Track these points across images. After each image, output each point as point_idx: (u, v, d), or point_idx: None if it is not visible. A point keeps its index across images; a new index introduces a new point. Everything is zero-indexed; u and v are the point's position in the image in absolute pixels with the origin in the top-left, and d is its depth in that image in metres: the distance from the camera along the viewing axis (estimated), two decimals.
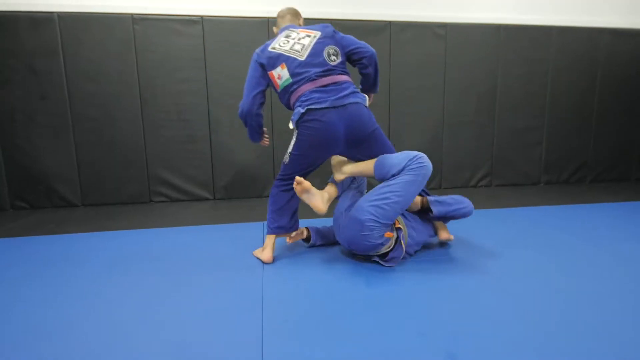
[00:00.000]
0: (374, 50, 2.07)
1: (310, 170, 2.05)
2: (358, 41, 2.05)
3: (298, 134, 1.92)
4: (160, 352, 1.30)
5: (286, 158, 2.01)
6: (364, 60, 2.04)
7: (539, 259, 2.06)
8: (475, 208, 3.11)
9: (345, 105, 1.87)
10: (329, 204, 2.01)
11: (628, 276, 1.81)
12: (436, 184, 4.02)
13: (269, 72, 1.98)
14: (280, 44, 1.99)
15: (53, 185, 3.37)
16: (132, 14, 3.26)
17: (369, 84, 2.18)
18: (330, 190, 2.07)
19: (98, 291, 1.75)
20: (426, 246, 2.28)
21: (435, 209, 2.03)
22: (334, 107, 1.85)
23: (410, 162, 1.82)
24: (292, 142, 1.97)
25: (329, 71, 1.92)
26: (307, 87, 1.89)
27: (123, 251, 2.25)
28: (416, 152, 1.86)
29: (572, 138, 4.19)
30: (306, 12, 3.48)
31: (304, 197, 1.94)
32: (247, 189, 3.70)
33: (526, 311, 1.52)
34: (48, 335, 1.40)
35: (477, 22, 3.81)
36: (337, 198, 2.15)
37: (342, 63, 1.99)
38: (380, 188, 1.85)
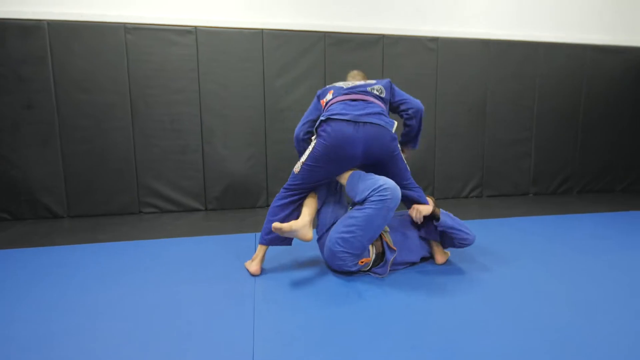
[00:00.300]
0: (422, 106, 2.13)
1: (319, 184, 2.03)
2: (409, 96, 2.13)
3: (315, 143, 1.90)
4: None
5: (297, 167, 1.97)
6: (410, 111, 2.08)
7: (530, 269, 2.08)
8: (467, 218, 3.17)
9: (365, 123, 1.83)
10: (311, 225, 1.95)
11: (617, 283, 1.84)
12: (429, 194, 4.04)
13: (320, 100, 2.06)
14: (338, 83, 2.11)
15: (37, 195, 3.27)
16: (124, 24, 3.23)
17: (409, 136, 2.18)
18: (309, 209, 1.98)
19: (85, 305, 1.69)
20: None
21: (442, 219, 2.00)
22: (355, 122, 1.83)
23: (372, 194, 1.78)
24: (308, 152, 1.93)
25: (364, 92, 1.97)
26: (337, 99, 1.94)
27: (111, 264, 2.19)
28: (381, 183, 1.79)
29: (560, 150, 4.29)
30: (299, 24, 3.54)
31: (290, 236, 1.92)
32: (240, 199, 3.66)
33: (520, 321, 1.53)
34: (35, 351, 1.33)
35: (468, 37, 3.91)
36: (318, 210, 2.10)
37: (384, 99, 2.02)
38: (347, 219, 1.85)
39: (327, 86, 2.12)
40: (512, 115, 4.11)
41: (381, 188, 1.77)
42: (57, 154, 3.25)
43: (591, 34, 4.20)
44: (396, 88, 2.11)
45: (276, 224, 1.82)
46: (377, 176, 1.85)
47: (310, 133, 2.08)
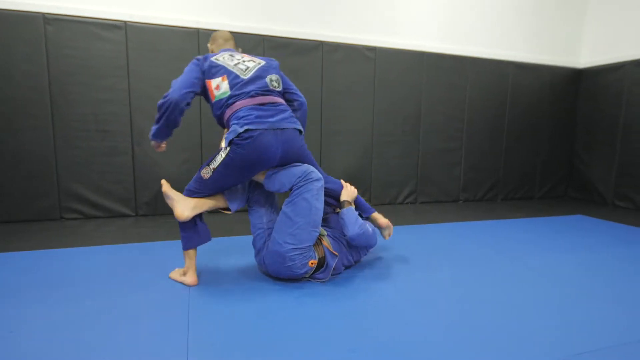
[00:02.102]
0: (305, 99, 2.14)
1: (226, 189, 1.99)
2: (295, 87, 2.13)
3: (230, 151, 1.82)
4: None
5: (207, 173, 1.88)
6: (295, 104, 2.10)
7: (458, 271, 2.19)
8: (402, 224, 3.29)
9: (284, 129, 1.86)
10: (195, 212, 1.88)
11: (534, 284, 1.98)
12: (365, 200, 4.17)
13: (206, 80, 1.91)
14: (224, 58, 1.95)
15: None
16: (44, 13, 2.99)
17: None
18: (207, 200, 1.94)
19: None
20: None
21: (346, 212, 2.08)
22: (273, 129, 1.82)
23: (298, 180, 1.85)
24: (219, 159, 1.85)
25: (269, 92, 1.92)
26: (244, 103, 1.85)
27: (27, 275, 1.98)
28: (304, 169, 1.88)
29: (486, 159, 4.58)
30: (238, 27, 3.48)
31: (167, 201, 1.90)
32: None
33: (450, 320, 1.61)
34: None
35: (404, 48, 4.05)
36: (225, 209, 2.03)
37: (281, 92, 2.02)
38: (284, 218, 1.86)
39: (212, 61, 1.93)
40: (444, 125, 4.32)
41: (305, 173, 1.85)
42: None
43: (513, 51, 4.54)
44: (284, 76, 2.10)
45: (163, 181, 1.92)
46: (295, 165, 1.92)
47: (189, 106, 1.95)
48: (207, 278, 2.03)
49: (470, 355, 1.36)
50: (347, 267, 2.19)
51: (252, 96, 1.87)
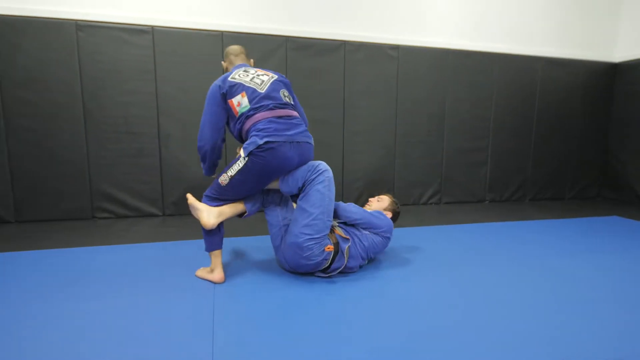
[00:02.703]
0: (307, 122, 2.20)
1: (243, 195, 2.05)
2: (302, 109, 2.22)
3: (249, 160, 1.89)
4: None
5: (224, 180, 1.95)
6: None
7: (482, 273, 2.15)
8: (425, 224, 3.26)
9: (299, 142, 1.96)
10: (220, 220, 1.96)
11: (561, 288, 1.90)
12: None
13: (229, 101, 1.99)
14: (239, 76, 2.03)
15: None
16: (76, 20, 3.11)
17: None
18: (229, 208, 2.01)
19: (31, 315, 1.60)
20: (378, 258, 2.36)
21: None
22: (290, 142, 1.92)
23: (309, 175, 1.94)
24: (237, 167, 1.92)
25: (285, 105, 2.01)
26: (264, 115, 1.93)
27: (61, 271, 2.08)
28: (312, 164, 1.97)
29: (513, 159, 4.44)
30: (261, 28, 3.52)
31: (193, 212, 2.01)
32: None
33: (471, 322, 1.57)
34: None
35: (428, 46, 3.98)
36: (242, 215, 2.09)
37: (293, 106, 2.10)
38: (300, 209, 1.94)
39: (230, 81, 2.00)
40: (469, 124, 4.22)
41: (314, 166, 1.96)
42: (3, 156, 3.09)
43: (543, 47, 4.36)
44: (295, 97, 2.20)
45: (189, 195, 2.03)
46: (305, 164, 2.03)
47: (223, 140, 2.09)
48: (230, 275, 2.08)
49: (488, 356, 1.34)
50: (361, 266, 2.19)
51: (270, 109, 1.95)
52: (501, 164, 4.41)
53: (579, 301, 1.84)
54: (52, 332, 1.50)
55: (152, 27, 3.25)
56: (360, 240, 2.12)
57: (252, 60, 2.26)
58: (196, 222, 3.27)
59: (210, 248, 2.01)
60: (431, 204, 4.26)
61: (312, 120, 3.75)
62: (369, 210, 2.25)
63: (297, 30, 3.60)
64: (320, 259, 1.95)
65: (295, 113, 2.04)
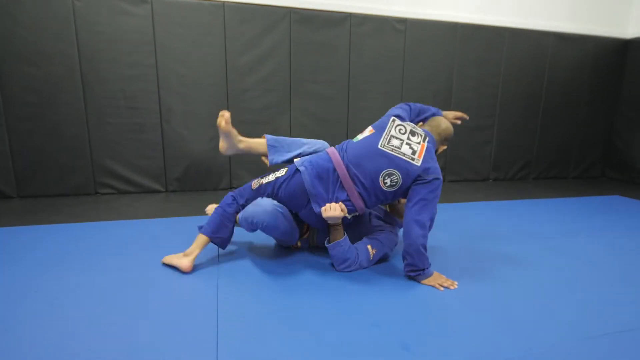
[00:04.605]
0: None
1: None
2: None
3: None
4: (109, 356, 1.19)
5: (255, 185, 1.92)
6: None
7: (484, 251, 2.14)
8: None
9: None
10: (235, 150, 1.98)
11: (562, 266, 1.88)
12: None
13: None
14: None
15: None
16: None
17: None
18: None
19: (35, 290, 1.58)
20: None
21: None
22: None
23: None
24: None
25: None
26: None
27: (64, 246, 2.06)
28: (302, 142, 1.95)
29: (519, 138, 4.36)
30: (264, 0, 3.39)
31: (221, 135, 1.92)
32: (202, 181, 3.54)
33: (474, 301, 1.58)
34: None
35: (436, 19, 3.83)
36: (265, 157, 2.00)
37: None
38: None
39: None
40: (476, 100, 4.11)
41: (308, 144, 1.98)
42: (2, 130, 3.02)
43: (555, 21, 4.22)
44: None
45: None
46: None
47: None
48: (236, 249, 2.05)
49: (492, 335, 1.32)
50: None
51: None
52: (507, 143, 4.33)
53: (584, 279, 1.83)
54: (56, 306, 1.48)
55: None
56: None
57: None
58: (198, 198, 3.24)
59: (210, 233, 1.84)
60: None
61: (316, 96, 3.67)
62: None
63: (301, 1, 3.46)
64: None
65: None
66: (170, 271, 1.81)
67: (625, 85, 4.53)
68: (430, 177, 1.72)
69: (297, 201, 1.82)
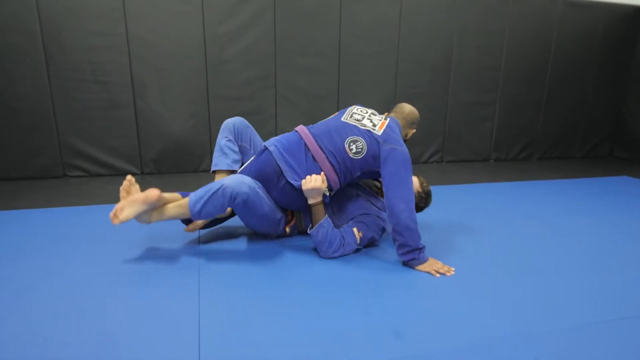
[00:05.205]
0: None
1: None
2: None
3: None
4: (83, 350, 1.19)
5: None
6: None
7: (484, 236, 2.19)
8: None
9: None
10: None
11: (565, 249, 1.94)
12: None
13: None
14: None
15: None
16: None
17: None
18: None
19: (1, 280, 1.59)
20: None
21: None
22: None
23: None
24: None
25: None
26: None
27: (30, 234, 2.05)
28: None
29: (523, 115, 4.38)
30: None
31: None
32: (180, 162, 3.52)
33: (471, 287, 1.63)
34: None
35: None
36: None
37: None
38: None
39: None
40: (477, 75, 4.11)
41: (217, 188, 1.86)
42: None
43: None
44: None
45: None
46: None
47: None
48: (217, 235, 2.07)
49: (487, 322, 1.36)
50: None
51: None
52: (509, 120, 4.36)
53: (588, 262, 1.89)
54: (31, 294, 1.49)
55: None
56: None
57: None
58: (177, 181, 3.24)
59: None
60: (432, 162, 4.25)
61: (304, 68, 3.64)
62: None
63: None
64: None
65: None
66: (147, 261, 1.82)
67: (638, 56, 4.55)
68: (390, 146, 1.85)
69: (268, 178, 1.89)
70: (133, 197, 1.76)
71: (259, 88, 3.55)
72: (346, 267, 1.81)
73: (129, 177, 1.83)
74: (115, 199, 2.70)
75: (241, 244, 2.07)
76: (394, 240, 1.82)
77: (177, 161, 3.52)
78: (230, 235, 2.18)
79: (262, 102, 3.59)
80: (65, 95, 3.13)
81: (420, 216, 2.49)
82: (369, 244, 2.04)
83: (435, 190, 3.10)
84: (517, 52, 4.19)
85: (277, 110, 3.65)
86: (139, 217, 1.80)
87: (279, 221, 1.99)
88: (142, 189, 3.04)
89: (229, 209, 1.96)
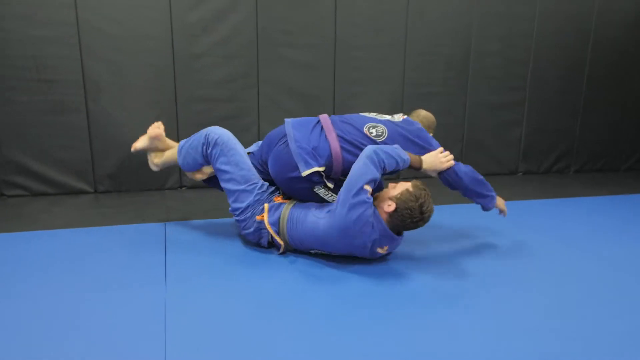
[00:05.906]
0: None
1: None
2: None
3: None
4: None
5: None
6: None
7: (509, 262, 2.28)
8: (441, 203, 3.32)
9: None
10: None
11: (609, 280, 2.05)
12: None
13: None
14: None
15: None
16: None
17: None
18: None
19: None
20: None
21: None
22: None
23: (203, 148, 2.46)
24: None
25: None
26: None
27: None
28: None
29: (556, 118, 4.44)
30: None
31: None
32: (143, 178, 3.53)
33: (496, 330, 1.64)
34: None
35: None
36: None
37: None
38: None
39: None
40: (501, 70, 4.17)
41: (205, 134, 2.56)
42: None
43: None
44: None
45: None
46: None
47: None
48: (186, 263, 2.14)
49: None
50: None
51: None
52: (540, 125, 4.42)
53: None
54: None
55: None
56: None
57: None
58: (138, 201, 3.27)
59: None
60: None
61: (294, 63, 3.70)
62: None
63: None
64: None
65: None
66: (103, 295, 1.85)
67: None
68: (415, 126, 2.43)
69: (270, 141, 2.44)
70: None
71: (239, 88, 3.60)
72: (335, 261, 1.85)
73: (158, 123, 2.75)
74: (63, 223, 2.75)
75: (209, 277, 2.08)
76: (472, 199, 2.51)
77: (139, 177, 3.53)
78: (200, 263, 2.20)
79: (243, 105, 3.64)
80: (2, 96, 3.16)
81: (437, 232, 2.55)
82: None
83: (452, 209, 3.17)
84: (548, 43, 4.26)
85: (260, 113, 3.69)
86: (149, 157, 2.82)
87: (256, 185, 2.38)
88: (96, 212, 3.08)
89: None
